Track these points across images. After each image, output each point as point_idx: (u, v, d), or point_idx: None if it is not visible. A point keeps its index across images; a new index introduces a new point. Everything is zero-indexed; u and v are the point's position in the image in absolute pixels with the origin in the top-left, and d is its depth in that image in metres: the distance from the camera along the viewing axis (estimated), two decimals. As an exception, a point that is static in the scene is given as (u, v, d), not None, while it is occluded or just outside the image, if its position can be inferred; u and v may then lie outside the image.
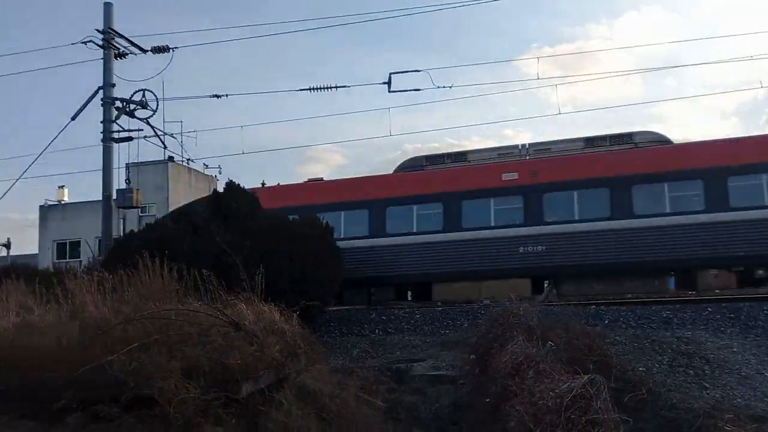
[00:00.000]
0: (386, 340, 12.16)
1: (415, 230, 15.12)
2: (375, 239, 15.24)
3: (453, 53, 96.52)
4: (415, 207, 15.15)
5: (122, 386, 6.27)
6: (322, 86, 14.85)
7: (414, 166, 16.21)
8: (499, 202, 14.50)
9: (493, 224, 14.45)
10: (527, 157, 15.39)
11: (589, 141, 15.09)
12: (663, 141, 15.01)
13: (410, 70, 15.45)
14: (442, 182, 15.06)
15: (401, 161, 17.06)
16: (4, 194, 14.54)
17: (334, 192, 15.97)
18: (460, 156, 16.00)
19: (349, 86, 15.47)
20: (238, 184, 12.67)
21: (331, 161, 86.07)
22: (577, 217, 14.03)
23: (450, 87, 15.66)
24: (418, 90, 15.43)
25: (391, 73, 15.19)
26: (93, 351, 7.04)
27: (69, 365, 7.25)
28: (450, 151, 17.70)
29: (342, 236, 14.42)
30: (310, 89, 14.89)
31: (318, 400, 6.81)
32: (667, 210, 13.48)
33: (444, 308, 14.08)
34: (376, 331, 13.00)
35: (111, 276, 9.18)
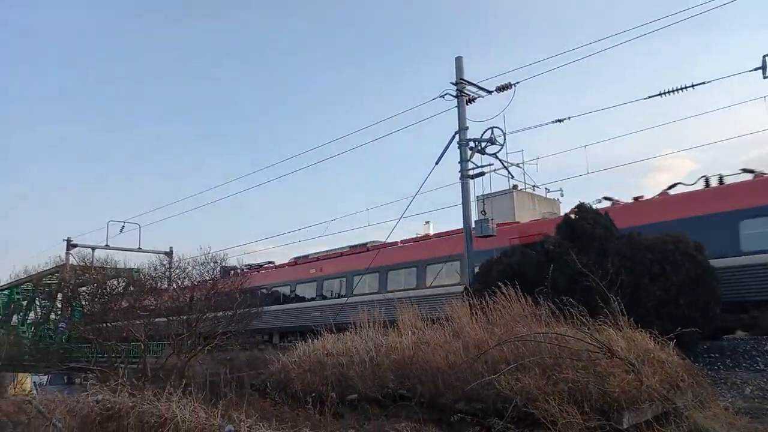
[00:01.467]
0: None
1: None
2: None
3: None
4: None
5: (506, 403, 6.76)
6: (674, 89, 13.37)
7: None
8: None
9: None
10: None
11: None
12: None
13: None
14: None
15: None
16: (392, 231, 17.73)
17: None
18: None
19: (708, 81, 13.43)
20: (590, 205, 12.40)
21: (680, 168, 76.10)
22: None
23: None
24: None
25: (765, 56, 12.56)
26: (476, 368, 7.83)
27: (457, 379, 8.24)
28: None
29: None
30: (660, 94, 13.59)
31: (715, 444, 6.00)
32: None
33: None
34: (776, 365, 10.74)
35: (480, 300, 10.14)
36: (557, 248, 12.39)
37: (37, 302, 32.65)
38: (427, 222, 30.77)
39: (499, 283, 10.71)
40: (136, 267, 21.86)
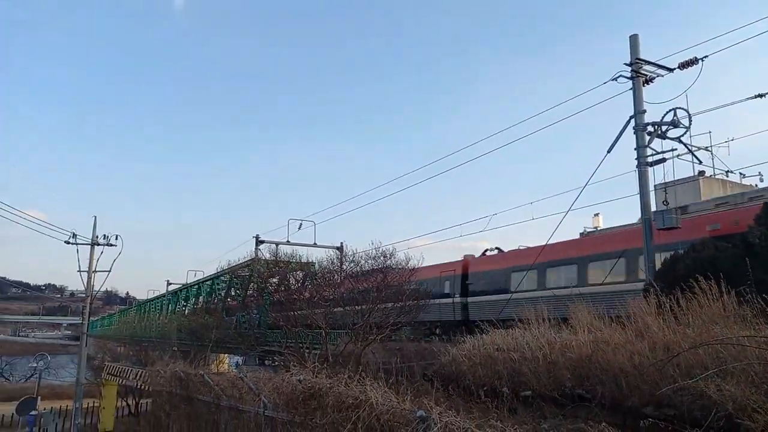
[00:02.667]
0: None
1: None
2: None
3: None
4: None
5: (704, 410, 6.20)
6: None
7: None
8: None
9: None
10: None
11: None
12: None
13: None
14: None
15: None
16: (558, 226, 16.98)
17: None
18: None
19: None
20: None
21: None
22: None
23: None
24: None
25: None
26: (666, 371, 7.27)
27: (643, 383, 7.73)
28: None
29: None
30: None
31: None
32: None
33: None
34: None
35: (669, 298, 9.34)
36: (763, 241, 10.93)
37: (233, 292, 37.26)
38: (597, 214, 28.98)
39: (689, 281, 9.77)
40: (313, 261, 23.85)
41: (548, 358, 9.81)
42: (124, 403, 43.70)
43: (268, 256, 26.17)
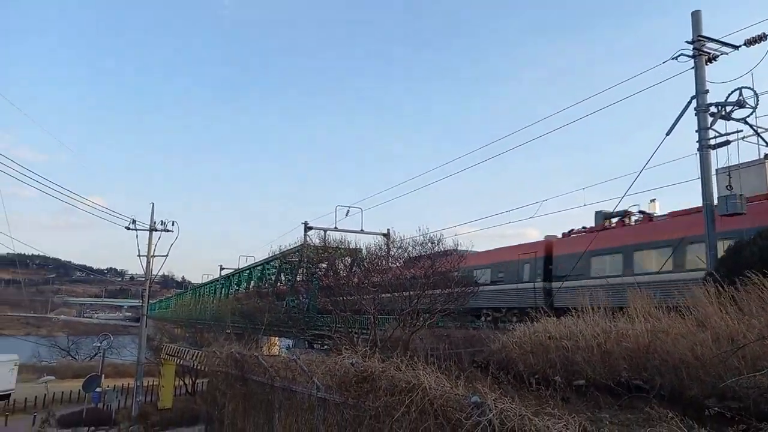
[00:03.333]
0: None
1: None
2: None
3: None
4: None
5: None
6: None
7: None
8: None
9: None
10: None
11: None
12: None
13: None
14: None
15: None
16: (615, 208, 16.50)
17: None
18: None
19: None
20: None
21: None
22: None
23: None
24: None
25: None
26: (731, 363, 6.98)
27: (706, 374, 7.45)
28: None
29: None
30: None
31: None
32: None
33: None
34: None
35: (733, 287, 8.93)
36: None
37: (282, 277, 38.10)
38: (653, 200, 27.94)
39: (754, 269, 9.30)
40: (360, 247, 24.04)
41: (603, 347, 9.58)
42: (182, 383, 45.71)
43: (317, 242, 26.58)
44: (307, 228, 31.74)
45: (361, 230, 33.11)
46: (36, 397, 42.47)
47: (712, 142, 13.99)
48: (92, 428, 32.35)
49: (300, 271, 30.32)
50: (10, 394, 41.37)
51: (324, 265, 22.79)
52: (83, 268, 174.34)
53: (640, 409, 8.19)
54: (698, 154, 14.17)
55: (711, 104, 13.87)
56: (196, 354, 32.80)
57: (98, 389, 35.03)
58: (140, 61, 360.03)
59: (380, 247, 20.23)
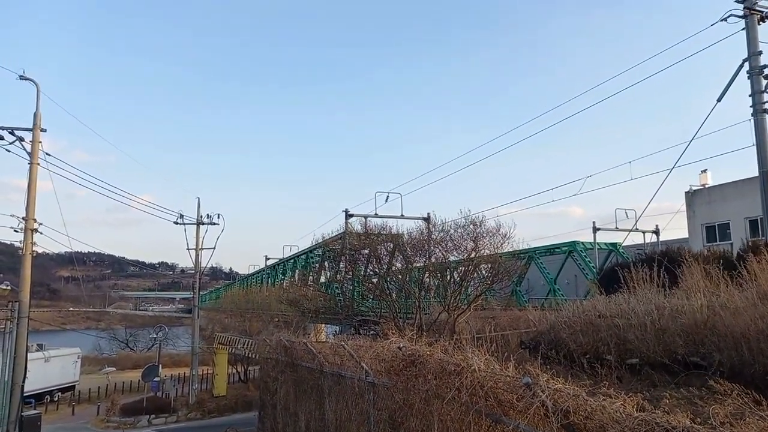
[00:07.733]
0: None
1: None
2: None
3: None
4: None
5: None
6: None
7: None
8: None
9: None
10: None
11: None
12: None
13: None
14: None
15: None
16: (661, 184, 15.92)
17: None
18: None
19: None
20: None
21: None
22: None
23: None
24: None
25: None
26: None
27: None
28: None
29: None
30: None
31: None
32: None
33: None
34: None
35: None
36: None
37: (326, 264, 38.52)
38: (704, 171, 26.81)
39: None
40: (402, 233, 24.02)
41: (657, 324, 9.30)
42: (235, 370, 47.09)
43: (358, 228, 26.70)
44: (348, 215, 31.92)
45: (402, 215, 33.06)
46: (99, 387, 44.57)
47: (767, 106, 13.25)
48: (152, 416, 33.80)
49: (343, 258, 30.59)
50: (75, 386, 43.54)
51: (366, 251, 22.91)
52: (136, 263, 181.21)
53: (698, 387, 7.92)
54: (752, 120, 13.46)
55: (765, 66, 13.12)
56: (247, 342, 33.68)
57: (156, 378, 36.53)
58: (181, 59, 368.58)
59: (422, 232, 20.15)
